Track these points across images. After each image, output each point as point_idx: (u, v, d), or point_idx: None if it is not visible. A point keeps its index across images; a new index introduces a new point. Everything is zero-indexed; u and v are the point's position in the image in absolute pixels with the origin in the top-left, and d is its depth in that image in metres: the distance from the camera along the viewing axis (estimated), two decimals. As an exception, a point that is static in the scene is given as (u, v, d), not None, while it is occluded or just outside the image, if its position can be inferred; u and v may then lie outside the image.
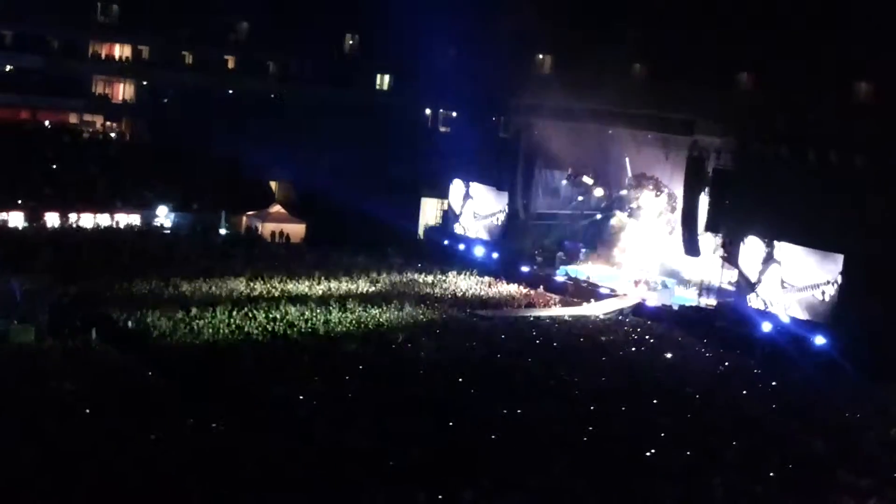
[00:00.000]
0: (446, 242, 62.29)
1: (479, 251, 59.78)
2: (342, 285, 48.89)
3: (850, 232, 44.35)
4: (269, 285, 46.92)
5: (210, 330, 38.28)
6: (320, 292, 46.96)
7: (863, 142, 46.74)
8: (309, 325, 40.55)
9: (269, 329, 39.32)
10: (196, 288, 45.02)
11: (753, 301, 48.34)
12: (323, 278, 49.30)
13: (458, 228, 63.27)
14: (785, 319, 46.47)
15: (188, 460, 25.49)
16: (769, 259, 48.16)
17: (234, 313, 40.50)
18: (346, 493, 24.46)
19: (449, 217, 64.70)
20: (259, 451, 26.51)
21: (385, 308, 44.46)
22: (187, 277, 46.21)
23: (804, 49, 50.46)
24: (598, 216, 60.03)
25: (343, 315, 42.65)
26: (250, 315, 40.64)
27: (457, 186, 63.92)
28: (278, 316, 41.16)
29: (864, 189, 45.00)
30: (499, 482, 25.80)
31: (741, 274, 49.46)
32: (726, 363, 41.99)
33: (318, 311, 42.53)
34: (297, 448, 27.01)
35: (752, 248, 48.99)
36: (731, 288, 50.56)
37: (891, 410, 36.18)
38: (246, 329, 38.93)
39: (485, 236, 61.62)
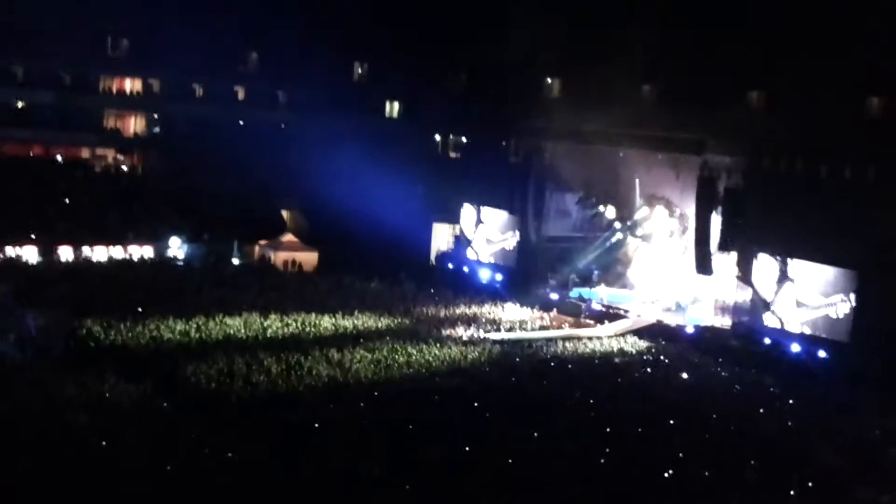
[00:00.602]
0: (459, 268, 62.22)
1: (491, 276, 59.69)
2: (364, 320, 48.01)
3: (864, 247, 44.19)
4: (287, 320, 46.28)
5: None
6: (344, 329, 46.16)
7: (875, 156, 46.64)
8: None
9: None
10: (214, 324, 44.51)
11: (768, 319, 48.13)
12: (345, 314, 48.25)
13: (470, 253, 63.24)
14: (801, 337, 46.23)
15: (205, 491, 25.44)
16: (783, 277, 48.01)
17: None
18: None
19: (461, 242, 64.68)
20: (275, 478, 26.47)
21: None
22: (202, 311, 45.84)
23: (814, 65, 50.45)
24: (611, 238, 59.88)
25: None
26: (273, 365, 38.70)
27: (468, 211, 63.96)
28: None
29: (877, 204, 44.84)
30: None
31: (755, 292, 49.29)
32: (742, 382, 41.80)
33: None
34: (312, 474, 26.94)
35: (765, 266, 48.83)
36: (747, 306, 50.31)
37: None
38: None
39: (497, 261, 61.58)
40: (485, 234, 62.67)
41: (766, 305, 48.43)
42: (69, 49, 73.07)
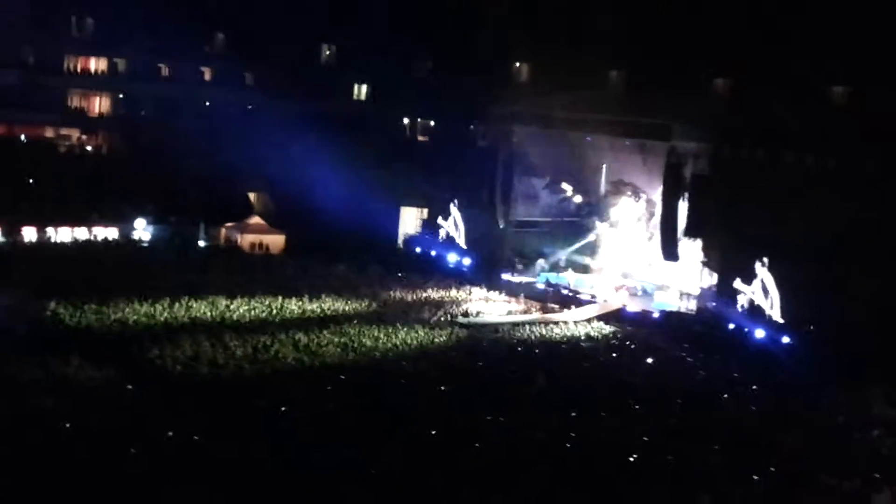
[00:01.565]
0: (426, 251, 62.22)
1: (458, 260, 59.74)
2: (331, 303, 48.04)
3: (826, 234, 44.51)
4: (253, 303, 46.12)
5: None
6: (311, 312, 46.10)
7: (838, 145, 46.97)
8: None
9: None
10: (180, 306, 44.34)
11: (733, 305, 48.41)
12: (312, 297, 48.17)
13: (437, 237, 63.19)
14: (765, 323, 46.55)
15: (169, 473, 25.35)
16: (749, 263, 48.32)
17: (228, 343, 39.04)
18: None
19: (428, 226, 64.60)
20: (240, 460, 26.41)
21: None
22: (168, 293, 45.62)
23: (779, 53, 50.76)
24: (578, 223, 60.02)
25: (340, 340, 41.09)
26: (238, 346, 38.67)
27: (436, 195, 63.86)
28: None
29: (840, 191, 45.18)
30: (482, 490, 25.74)
31: (721, 278, 49.56)
32: (707, 368, 42.06)
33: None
34: (278, 458, 26.91)
35: (731, 252, 49.11)
36: (712, 292, 50.59)
37: (872, 412, 36.32)
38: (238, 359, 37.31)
39: (464, 245, 61.59)
40: (453, 218, 62.60)
41: (732, 291, 48.69)
42: (34, 28, 72.32)
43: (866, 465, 30.30)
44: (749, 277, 46.88)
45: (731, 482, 28.07)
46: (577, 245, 58.70)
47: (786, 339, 44.57)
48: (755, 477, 28.73)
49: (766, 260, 46.57)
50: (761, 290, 46.75)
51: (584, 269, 58.48)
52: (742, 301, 47.23)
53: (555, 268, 57.92)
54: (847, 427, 34.60)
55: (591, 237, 58.98)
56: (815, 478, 28.82)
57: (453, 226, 62.17)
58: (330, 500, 24.76)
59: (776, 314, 45.97)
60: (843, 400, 37.60)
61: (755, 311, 46.60)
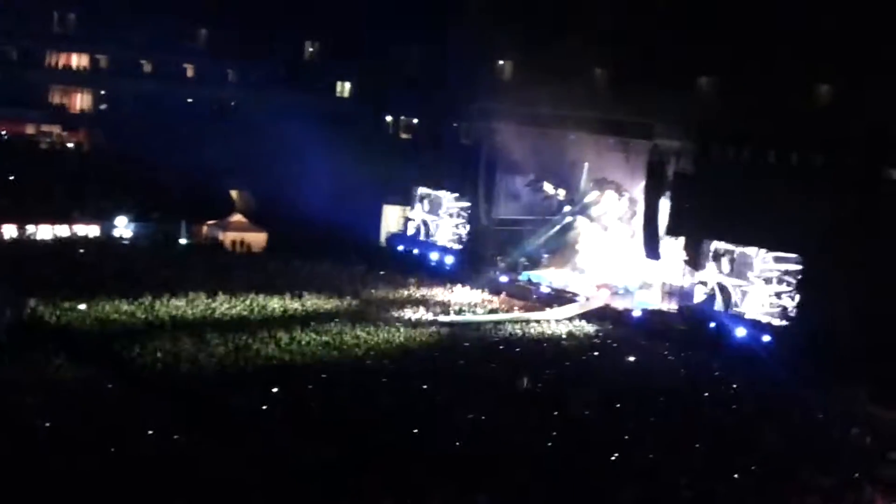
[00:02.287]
0: (408, 250, 62.16)
1: (441, 258, 59.70)
2: (313, 302, 47.88)
3: (809, 233, 44.62)
4: (234, 301, 45.96)
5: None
6: (293, 310, 45.96)
7: (822, 143, 47.08)
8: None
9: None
10: (161, 304, 44.19)
11: (715, 304, 48.53)
12: (293, 296, 48.03)
13: (420, 235, 63.17)
14: (747, 321, 46.67)
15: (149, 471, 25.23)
16: (731, 261, 48.45)
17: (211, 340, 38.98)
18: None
19: (411, 224, 64.55)
20: (221, 461, 26.30)
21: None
22: (149, 291, 45.42)
23: (763, 52, 50.81)
24: (560, 221, 59.99)
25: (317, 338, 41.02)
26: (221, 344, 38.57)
27: (419, 193, 63.83)
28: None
29: (822, 190, 45.27)
30: (463, 489, 25.70)
31: (703, 277, 49.65)
32: (688, 366, 42.12)
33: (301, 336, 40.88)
34: (259, 457, 26.80)
35: (713, 250, 49.22)
36: (693, 291, 50.67)
37: (852, 410, 36.42)
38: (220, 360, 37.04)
39: (447, 243, 61.57)
40: (435, 216, 62.62)
41: (714, 289, 48.82)
42: (15, 23, 71.96)
43: (847, 462, 30.37)
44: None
45: (712, 480, 28.08)
46: (549, 233, 58.65)
47: (767, 338, 44.71)
48: (736, 475, 28.76)
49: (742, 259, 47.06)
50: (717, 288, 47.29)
51: (566, 267, 58.45)
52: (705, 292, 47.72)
53: (536, 265, 57.88)
54: (828, 425, 34.68)
55: (565, 223, 58.92)
56: (796, 475, 28.87)
57: (434, 224, 62.21)
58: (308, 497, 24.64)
59: (751, 310, 46.37)
60: (825, 398, 37.68)
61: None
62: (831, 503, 27.02)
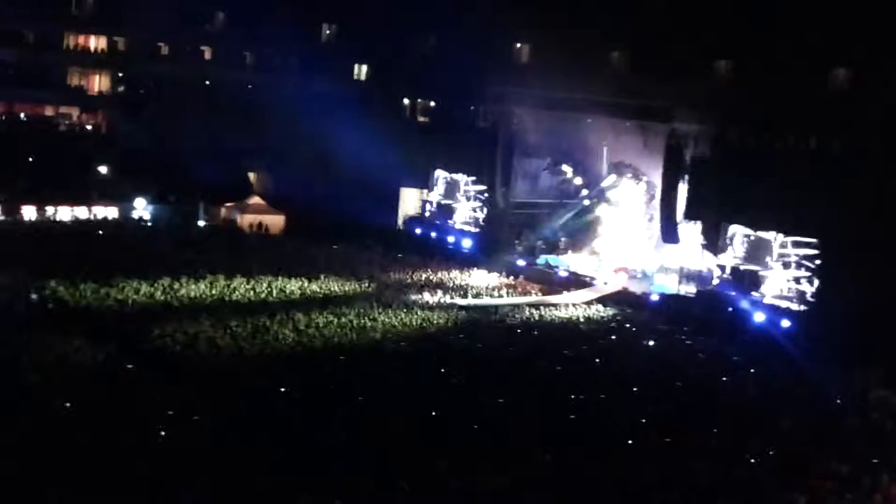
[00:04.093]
0: (426, 233, 62.22)
1: (458, 241, 59.74)
2: (329, 284, 48.00)
3: (828, 218, 44.52)
4: (252, 283, 46.05)
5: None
6: (310, 293, 46.07)
7: (840, 127, 46.89)
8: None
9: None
10: (179, 286, 44.35)
11: (733, 288, 48.45)
12: (311, 278, 48.12)
13: (437, 218, 63.18)
14: (765, 306, 46.60)
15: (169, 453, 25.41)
16: (748, 246, 48.37)
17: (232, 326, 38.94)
18: (325, 484, 24.39)
19: (428, 207, 64.58)
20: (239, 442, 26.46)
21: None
22: (168, 273, 45.59)
23: (782, 35, 50.55)
24: (578, 205, 59.99)
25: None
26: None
27: (436, 176, 63.83)
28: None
29: (841, 174, 45.12)
30: (480, 471, 25.80)
31: (721, 261, 49.59)
32: (706, 351, 42.09)
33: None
34: (276, 440, 26.96)
35: (731, 235, 49.15)
36: (711, 275, 50.61)
37: (870, 395, 36.39)
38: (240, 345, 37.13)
39: (464, 226, 61.59)
40: (452, 199, 62.60)
41: (731, 273, 48.76)
42: (33, 6, 72.12)
43: (864, 448, 30.35)
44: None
45: (728, 464, 28.12)
46: (567, 216, 58.64)
47: (785, 322, 44.65)
48: (751, 460, 28.79)
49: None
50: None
51: (584, 250, 58.45)
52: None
53: (554, 249, 57.88)
54: (845, 410, 34.66)
55: (581, 208, 58.89)
56: (812, 461, 28.87)
57: (452, 207, 62.22)
58: (325, 480, 24.77)
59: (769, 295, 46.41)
60: (842, 383, 37.63)
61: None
62: (848, 489, 26.96)
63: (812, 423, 32.78)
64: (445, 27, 69.11)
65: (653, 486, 26.20)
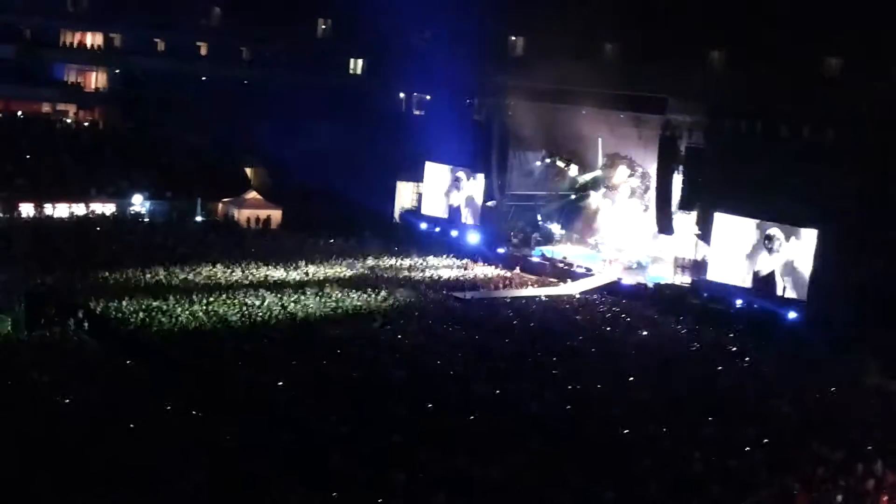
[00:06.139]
0: (422, 225, 62.40)
1: (454, 234, 59.93)
2: (320, 270, 48.66)
3: (823, 207, 44.72)
4: (246, 272, 46.69)
5: (186, 317, 37.95)
6: (298, 278, 46.77)
7: (834, 116, 47.08)
8: (287, 311, 40.38)
9: (247, 315, 39.15)
10: (173, 275, 44.79)
11: (728, 277, 48.66)
12: (301, 264, 49.07)
13: (433, 211, 63.34)
14: (760, 295, 46.81)
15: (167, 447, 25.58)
16: (744, 236, 48.58)
17: (212, 299, 40.28)
18: (324, 477, 24.55)
19: (424, 200, 64.75)
20: (238, 437, 26.63)
21: (365, 293, 44.32)
22: (164, 264, 46.01)
23: (775, 25, 50.74)
24: (573, 197, 60.22)
25: (321, 300, 42.44)
26: (227, 302, 40.34)
27: (432, 169, 64.00)
28: (257, 302, 40.99)
29: (835, 163, 45.33)
30: (477, 462, 25.95)
31: (715, 251, 49.78)
32: (701, 340, 42.28)
33: (296, 297, 42.31)
34: (274, 433, 27.12)
35: (726, 224, 49.33)
36: (706, 265, 50.79)
37: (864, 383, 36.58)
38: (225, 316, 38.55)
39: (460, 219, 61.77)
40: (448, 192, 62.76)
41: (726, 263, 48.96)
42: (29, 2, 72.19)
43: (858, 435, 30.53)
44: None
45: (724, 453, 28.28)
46: (562, 208, 58.84)
47: (788, 313, 44.85)
48: (747, 449, 28.96)
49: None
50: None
51: (579, 242, 58.68)
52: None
53: (550, 240, 58.09)
54: (838, 398, 34.83)
55: (576, 199, 59.10)
56: (807, 448, 29.03)
57: (448, 199, 62.39)
58: (322, 470, 24.93)
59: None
60: (837, 371, 37.84)
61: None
62: (842, 476, 27.10)
63: (807, 410, 32.93)
64: (441, 21, 69.31)
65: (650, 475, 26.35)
